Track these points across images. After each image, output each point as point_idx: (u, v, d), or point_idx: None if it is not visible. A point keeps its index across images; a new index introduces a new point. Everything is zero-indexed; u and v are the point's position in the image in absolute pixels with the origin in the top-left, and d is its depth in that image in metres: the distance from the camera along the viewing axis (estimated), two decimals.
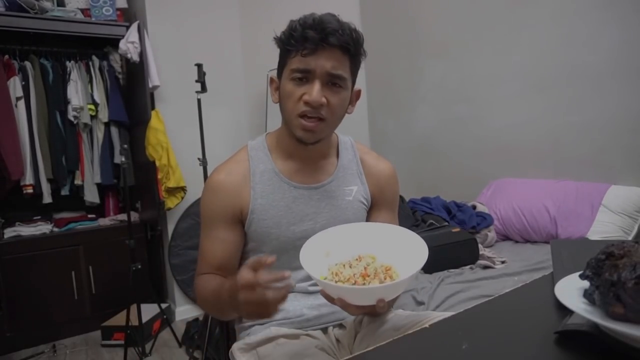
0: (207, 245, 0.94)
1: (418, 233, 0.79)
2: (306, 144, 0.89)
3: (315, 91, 0.83)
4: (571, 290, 0.58)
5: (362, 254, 0.76)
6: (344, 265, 0.73)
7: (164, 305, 2.72)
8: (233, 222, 0.93)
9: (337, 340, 0.95)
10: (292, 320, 0.94)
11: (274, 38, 0.89)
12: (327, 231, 0.81)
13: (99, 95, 2.86)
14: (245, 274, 0.66)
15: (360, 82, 3.32)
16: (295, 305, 0.95)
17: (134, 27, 2.66)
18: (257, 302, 0.66)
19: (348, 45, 0.84)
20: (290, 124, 0.88)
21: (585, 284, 0.57)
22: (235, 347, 0.95)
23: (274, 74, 0.95)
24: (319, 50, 0.82)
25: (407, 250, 0.74)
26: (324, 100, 0.84)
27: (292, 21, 0.85)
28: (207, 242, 0.94)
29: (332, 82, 0.85)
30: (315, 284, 0.96)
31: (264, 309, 0.67)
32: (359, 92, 0.96)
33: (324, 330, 0.96)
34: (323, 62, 0.83)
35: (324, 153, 0.98)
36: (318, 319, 0.95)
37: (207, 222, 0.94)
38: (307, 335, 0.92)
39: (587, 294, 0.54)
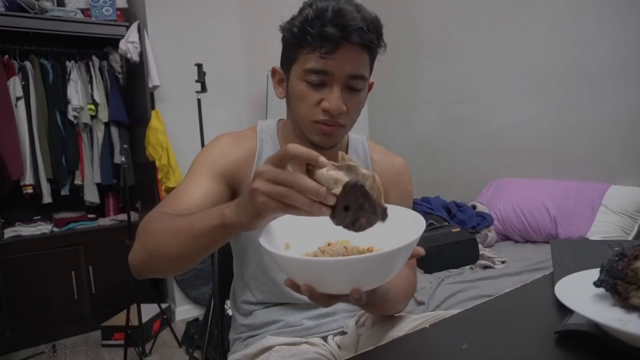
0: (183, 186, 0.78)
1: None
2: (322, 149, 0.80)
3: (335, 99, 0.74)
4: (571, 290, 0.58)
5: (333, 240, 0.61)
6: (314, 255, 0.59)
7: (163, 305, 2.72)
8: (223, 178, 0.81)
9: (339, 347, 0.90)
10: (291, 329, 0.89)
11: (281, 27, 0.79)
12: (284, 218, 0.60)
13: (99, 95, 2.86)
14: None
15: None
16: (295, 317, 0.90)
17: (134, 27, 2.67)
18: (286, 180, 0.49)
19: (372, 44, 0.74)
20: (304, 128, 0.80)
21: (589, 284, 0.57)
22: (231, 359, 0.91)
23: (277, 65, 0.85)
24: (339, 49, 0.72)
25: (393, 228, 0.55)
26: (344, 107, 0.76)
27: (306, 10, 0.73)
28: (186, 184, 0.79)
29: (351, 85, 0.76)
30: None
31: (290, 195, 0.48)
32: (371, 85, 0.87)
33: (324, 339, 0.91)
34: (343, 64, 0.73)
35: (332, 157, 0.90)
36: (318, 327, 0.90)
37: (193, 170, 0.82)
38: (307, 342, 0.88)
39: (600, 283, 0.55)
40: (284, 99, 0.87)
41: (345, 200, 0.49)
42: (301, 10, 0.75)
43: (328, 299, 0.54)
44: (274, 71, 0.86)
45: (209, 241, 0.60)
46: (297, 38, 0.74)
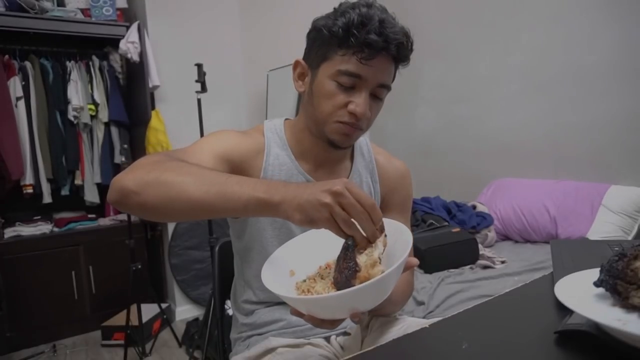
0: (192, 149, 0.77)
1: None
2: (337, 148, 0.83)
3: (364, 103, 0.77)
4: (571, 290, 0.58)
5: (330, 261, 0.65)
6: (314, 279, 0.64)
7: (164, 305, 2.72)
8: (229, 162, 0.79)
9: (342, 348, 0.90)
10: (294, 329, 0.88)
11: (321, 26, 0.78)
12: (285, 247, 0.69)
13: (99, 95, 2.86)
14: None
15: None
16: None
17: (134, 27, 2.67)
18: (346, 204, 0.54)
19: (406, 59, 0.79)
20: (324, 127, 0.81)
21: (589, 284, 0.57)
22: None
23: (299, 58, 0.86)
24: (376, 57, 0.74)
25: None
26: (369, 113, 0.79)
27: (348, 12, 0.74)
28: (193, 149, 0.77)
29: (376, 93, 0.79)
30: None
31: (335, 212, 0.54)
32: None
33: (327, 339, 0.90)
34: (376, 72, 0.76)
35: (340, 157, 0.92)
36: None
37: (199, 144, 0.79)
38: (310, 344, 0.87)
39: (600, 283, 0.55)
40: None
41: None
42: (343, 12, 0.75)
43: (331, 323, 0.59)
44: (296, 64, 0.85)
45: (235, 205, 0.58)
46: (339, 38, 0.75)
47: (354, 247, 0.58)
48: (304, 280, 0.64)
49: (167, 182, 0.60)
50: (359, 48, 0.73)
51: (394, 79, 0.84)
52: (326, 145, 0.84)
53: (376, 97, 0.80)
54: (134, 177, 0.61)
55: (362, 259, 0.58)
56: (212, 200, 0.58)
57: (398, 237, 0.61)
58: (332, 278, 0.60)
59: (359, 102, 0.77)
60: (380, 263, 0.57)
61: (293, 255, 0.67)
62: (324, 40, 0.78)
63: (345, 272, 0.56)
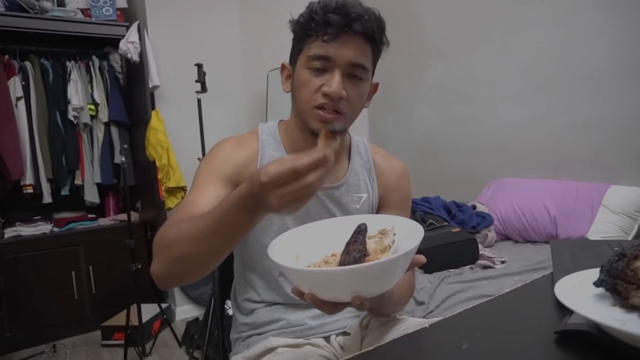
0: (192, 197, 0.80)
1: None
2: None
3: (335, 82, 0.76)
4: (571, 290, 0.58)
5: (337, 251, 0.64)
6: (319, 266, 0.64)
7: (164, 305, 2.72)
8: (229, 182, 0.82)
9: (342, 348, 0.90)
10: (293, 329, 0.89)
11: (290, 21, 0.82)
12: (295, 231, 0.70)
13: (99, 95, 2.87)
14: (273, 167, 0.51)
15: None
16: (297, 316, 0.90)
17: (134, 27, 2.67)
18: (297, 191, 0.51)
19: (373, 33, 0.77)
20: (305, 116, 0.81)
21: (589, 284, 0.57)
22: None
23: (286, 61, 0.89)
24: (341, 36, 0.75)
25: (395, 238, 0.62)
26: (344, 93, 0.77)
27: (312, 3, 0.78)
28: (194, 194, 0.80)
29: (352, 73, 0.79)
30: None
31: (304, 197, 0.53)
32: (376, 86, 0.89)
33: (327, 339, 0.91)
34: (345, 51, 0.76)
35: (335, 154, 0.94)
36: (321, 327, 0.90)
37: (200, 178, 0.83)
38: (309, 344, 0.88)
39: (600, 283, 0.55)
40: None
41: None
42: (308, 5, 0.80)
43: (332, 307, 0.57)
44: (283, 67, 0.88)
45: (238, 238, 0.63)
46: (303, 27, 0.79)
47: (366, 233, 0.58)
48: (308, 266, 0.64)
49: (180, 257, 0.66)
50: (322, 29, 0.76)
51: (376, 63, 0.84)
52: (313, 138, 0.82)
53: (354, 78, 0.79)
54: (159, 266, 0.70)
55: (371, 245, 0.58)
56: (219, 248, 0.64)
57: (409, 232, 0.61)
58: (338, 263, 0.59)
59: (330, 83, 0.77)
60: (390, 250, 0.57)
61: (300, 241, 0.67)
62: (296, 35, 0.82)
63: (353, 254, 0.56)
